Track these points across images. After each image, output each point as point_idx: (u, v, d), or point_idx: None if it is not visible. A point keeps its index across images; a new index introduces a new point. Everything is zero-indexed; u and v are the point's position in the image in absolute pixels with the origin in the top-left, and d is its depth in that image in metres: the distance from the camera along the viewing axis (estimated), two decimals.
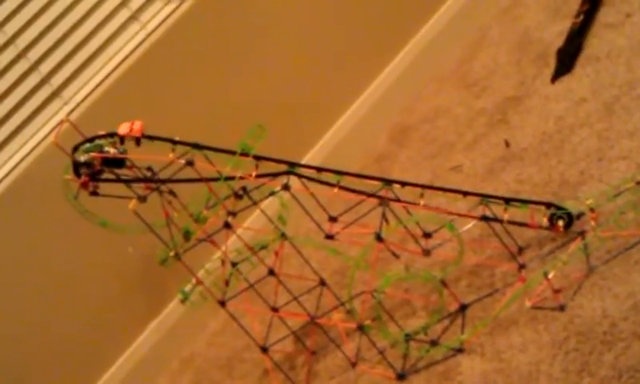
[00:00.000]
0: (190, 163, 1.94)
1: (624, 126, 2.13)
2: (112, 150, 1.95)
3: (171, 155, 1.96)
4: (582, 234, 1.92)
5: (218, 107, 2.60)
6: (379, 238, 1.90)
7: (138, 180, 1.99)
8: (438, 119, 2.71)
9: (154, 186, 2.01)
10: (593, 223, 1.92)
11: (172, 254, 2.02)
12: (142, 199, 1.99)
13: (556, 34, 2.59)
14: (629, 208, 1.87)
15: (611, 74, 2.31)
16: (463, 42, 2.90)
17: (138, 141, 1.93)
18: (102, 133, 1.96)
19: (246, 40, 2.63)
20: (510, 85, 2.59)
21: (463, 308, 2.02)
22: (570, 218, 1.97)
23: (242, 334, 2.13)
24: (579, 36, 2.50)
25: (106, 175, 1.97)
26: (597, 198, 1.95)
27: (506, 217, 1.97)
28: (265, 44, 2.66)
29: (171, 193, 2.05)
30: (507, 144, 2.38)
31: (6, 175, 2.44)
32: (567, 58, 2.47)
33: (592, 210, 1.94)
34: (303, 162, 2.65)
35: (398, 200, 1.99)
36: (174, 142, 1.97)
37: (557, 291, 1.86)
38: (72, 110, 2.49)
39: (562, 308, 1.83)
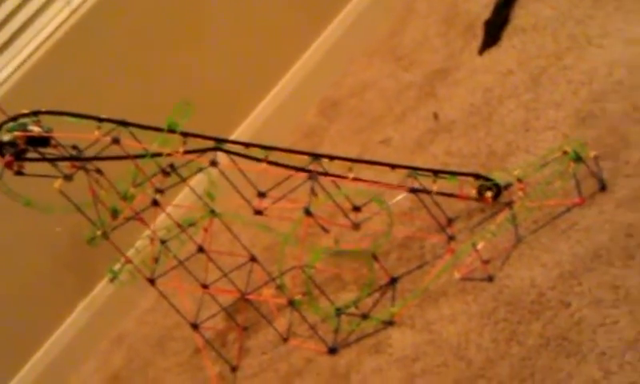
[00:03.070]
0: (116, 141, 1.92)
1: (550, 96, 2.15)
2: (36, 129, 1.92)
3: (97, 133, 1.93)
4: (510, 204, 1.94)
5: (144, 84, 2.56)
6: (308, 213, 1.90)
7: (63, 159, 1.96)
8: (366, 93, 2.70)
9: (79, 164, 1.98)
10: (520, 193, 1.94)
11: (99, 232, 2.00)
12: (68, 178, 1.96)
13: (483, 5, 2.60)
14: (555, 178, 1.89)
15: (538, 46, 2.33)
16: (392, 15, 2.90)
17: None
18: (25, 111, 1.92)
19: (173, 16, 2.60)
20: (438, 57, 2.60)
21: (393, 281, 2.02)
22: (498, 189, 1.98)
23: (173, 312, 2.13)
24: (506, 7, 2.51)
25: (30, 154, 1.94)
26: (524, 169, 1.96)
27: (434, 188, 1.97)
28: (192, 20, 2.63)
29: (98, 171, 2.02)
30: (436, 117, 2.38)
31: None
32: (494, 30, 2.48)
33: (519, 180, 1.95)
34: (232, 138, 2.63)
35: (326, 174, 1.98)
36: (100, 120, 1.94)
37: (485, 262, 1.87)
38: None
39: (490, 279, 1.84)
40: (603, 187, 1.84)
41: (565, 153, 1.89)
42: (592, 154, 1.87)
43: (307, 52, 2.82)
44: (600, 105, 2.02)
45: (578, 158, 1.86)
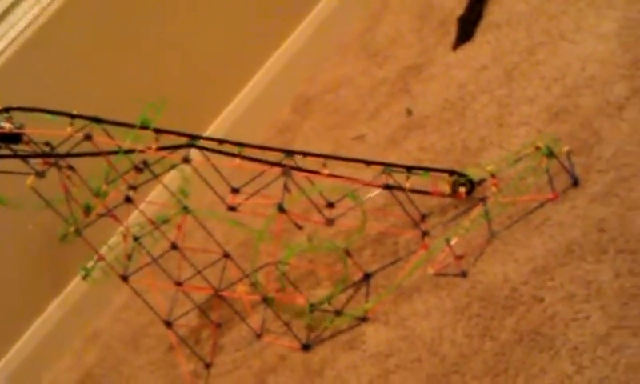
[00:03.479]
0: (88, 137, 1.91)
1: (523, 92, 2.15)
2: (7, 126, 1.91)
3: (69, 129, 1.93)
4: (484, 200, 1.93)
5: (117, 81, 2.55)
6: (281, 209, 1.89)
7: (35, 155, 1.95)
8: (340, 89, 2.70)
9: (52, 161, 1.97)
10: (494, 189, 1.94)
11: (72, 229, 1.99)
12: (41, 175, 1.95)
13: (457, 1, 2.60)
14: (528, 173, 1.89)
15: (511, 41, 2.34)
16: (365, 11, 2.90)
17: None
18: None
19: (145, 12, 2.59)
20: (411, 53, 2.60)
21: (367, 277, 2.02)
22: (471, 185, 1.99)
23: (147, 310, 2.11)
24: (480, 3, 2.51)
25: (2, 151, 1.93)
26: (498, 164, 1.97)
27: (408, 185, 1.98)
28: (165, 16, 2.62)
29: (70, 168, 2.01)
30: (409, 112, 2.38)
31: None
32: (468, 26, 2.49)
33: (493, 176, 1.96)
34: (206, 134, 2.62)
35: (300, 169, 1.98)
36: (72, 116, 1.94)
37: (459, 257, 1.87)
38: None
39: (464, 274, 1.85)
40: (576, 182, 1.85)
41: (538, 148, 1.89)
42: (565, 149, 1.88)
43: (280, 48, 2.81)
44: (573, 100, 2.03)
45: (551, 154, 1.86)
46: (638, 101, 1.92)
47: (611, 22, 2.14)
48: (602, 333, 1.56)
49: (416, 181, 1.99)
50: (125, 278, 2.05)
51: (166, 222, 2.11)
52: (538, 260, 1.75)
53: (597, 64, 2.07)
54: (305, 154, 2.02)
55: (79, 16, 2.48)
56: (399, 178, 1.99)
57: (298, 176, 1.98)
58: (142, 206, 2.11)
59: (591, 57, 2.10)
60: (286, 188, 1.94)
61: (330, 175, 1.98)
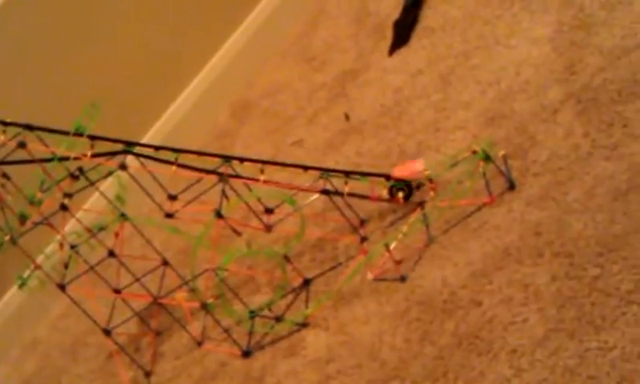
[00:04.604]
0: (22, 145, 1.89)
1: (459, 96, 2.17)
2: None
3: (2, 137, 1.91)
4: (422, 204, 1.95)
5: (51, 87, 2.52)
6: (219, 215, 1.89)
7: None
8: (278, 94, 2.70)
9: None
10: (432, 193, 1.95)
11: (7, 238, 1.97)
12: None
13: (392, 6, 2.62)
14: (465, 177, 1.91)
15: (446, 46, 2.35)
16: (302, 16, 2.90)
17: None
18: None
19: (80, 17, 2.56)
20: (348, 58, 2.61)
21: (307, 282, 2.02)
22: (409, 189, 2.00)
23: (86, 318, 2.09)
24: (415, 7, 2.53)
25: None
26: (435, 169, 1.97)
27: (346, 190, 1.98)
28: (99, 21, 2.60)
29: (4, 176, 1.99)
30: (347, 117, 2.39)
31: None
32: (404, 30, 2.50)
33: (430, 180, 1.96)
34: (144, 140, 2.60)
35: (237, 176, 1.98)
36: (5, 124, 1.92)
37: (398, 262, 1.88)
38: None
39: (403, 279, 1.85)
40: (512, 186, 1.87)
41: (474, 152, 1.90)
42: (501, 153, 1.90)
43: (218, 53, 2.80)
44: (508, 104, 2.05)
45: (487, 158, 1.88)
46: (571, 105, 1.94)
47: (545, 26, 2.17)
48: (539, 336, 1.57)
49: (354, 186, 2.00)
50: (62, 287, 2.02)
51: (102, 229, 2.09)
52: (476, 264, 1.77)
53: (531, 68, 2.09)
54: (242, 160, 2.01)
55: (11, 20, 2.45)
56: (338, 183, 1.99)
57: (237, 182, 1.98)
58: (78, 214, 2.09)
59: (526, 61, 2.12)
60: (223, 194, 1.93)
61: (267, 181, 1.97)
